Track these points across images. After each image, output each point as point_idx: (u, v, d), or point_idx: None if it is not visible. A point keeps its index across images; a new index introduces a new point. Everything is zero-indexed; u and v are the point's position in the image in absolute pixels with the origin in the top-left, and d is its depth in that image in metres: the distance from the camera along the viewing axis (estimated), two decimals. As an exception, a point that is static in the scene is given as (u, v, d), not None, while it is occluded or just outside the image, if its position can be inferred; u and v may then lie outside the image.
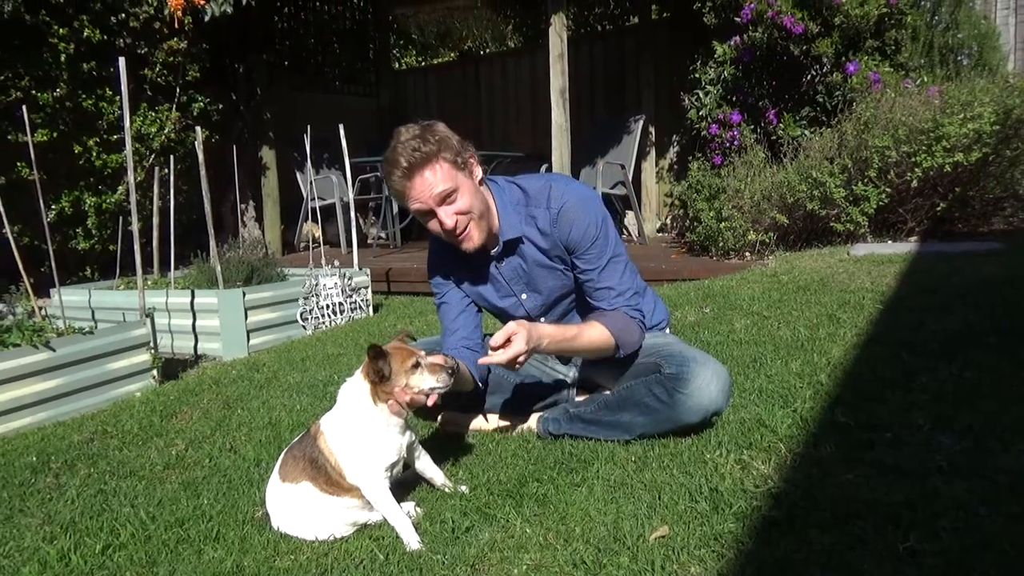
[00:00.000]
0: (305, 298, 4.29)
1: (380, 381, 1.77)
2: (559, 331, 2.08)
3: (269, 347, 4.03)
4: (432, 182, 1.98)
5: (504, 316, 2.36)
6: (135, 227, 3.38)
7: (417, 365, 1.78)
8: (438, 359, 1.85)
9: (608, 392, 2.28)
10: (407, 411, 1.81)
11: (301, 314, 4.27)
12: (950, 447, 1.82)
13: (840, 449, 1.88)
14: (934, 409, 2.03)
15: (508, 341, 1.90)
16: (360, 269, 4.73)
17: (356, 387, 1.83)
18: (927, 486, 1.65)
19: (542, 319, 2.32)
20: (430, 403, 1.81)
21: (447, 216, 2.01)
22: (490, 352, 1.90)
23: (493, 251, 2.20)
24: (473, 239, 2.08)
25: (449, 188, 1.99)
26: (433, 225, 2.06)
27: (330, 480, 1.78)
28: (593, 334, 2.12)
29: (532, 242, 2.19)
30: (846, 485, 1.70)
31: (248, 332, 3.95)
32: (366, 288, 4.68)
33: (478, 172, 2.10)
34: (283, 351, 3.88)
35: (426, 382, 1.78)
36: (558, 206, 2.14)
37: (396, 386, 1.76)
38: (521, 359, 1.92)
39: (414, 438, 1.91)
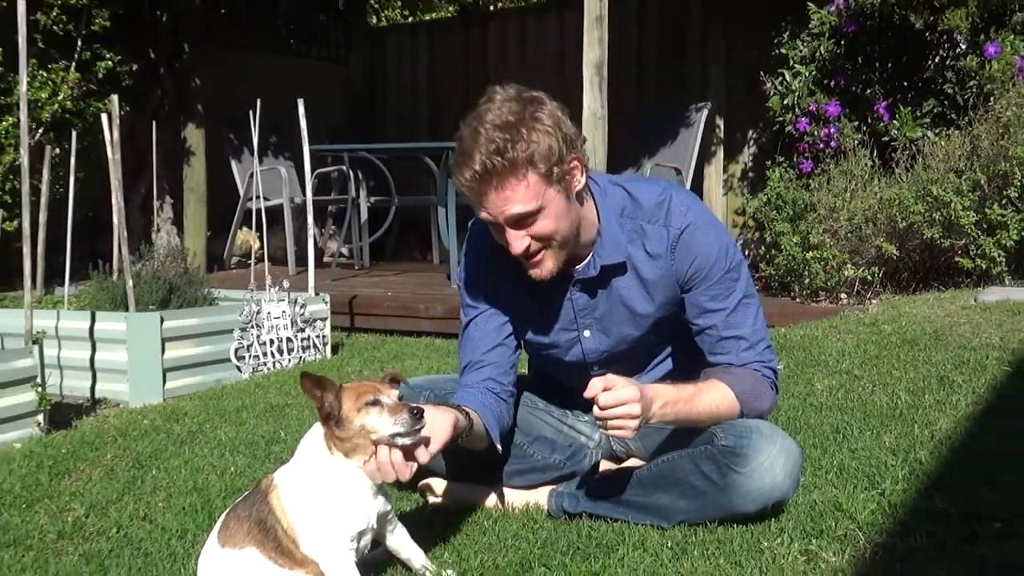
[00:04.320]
0: (243, 330, 4.52)
1: (327, 422, 1.98)
2: (674, 391, 2.21)
3: (192, 392, 4.25)
4: (509, 199, 2.12)
5: (546, 355, 2.56)
6: (26, 223, 3.64)
7: (375, 403, 1.96)
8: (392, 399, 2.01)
9: (642, 464, 2.48)
10: (377, 474, 1.99)
11: (236, 351, 4.50)
12: (1074, 542, 2.02)
13: (934, 541, 2.08)
14: (1059, 497, 2.24)
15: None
16: (317, 295, 4.97)
17: (316, 434, 2.05)
18: (1037, 587, 1.86)
19: (595, 369, 2.51)
20: (417, 459, 1.98)
21: (517, 240, 2.18)
22: (591, 393, 2.05)
23: (578, 272, 2.37)
24: (544, 268, 2.25)
25: (529, 210, 2.14)
26: (498, 238, 2.24)
27: (280, 548, 1.99)
28: (715, 396, 2.27)
29: (635, 268, 2.37)
30: (937, 584, 1.91)
31: (164, 371, 4.17)
32: (323, 320, 4.91)
33: (579, 181, 2.23)
34: (211, 398, 4.10)
35: (383, 425, 1.95)
36: (681, 224, 2.31)
37: (350, 430, 1.97)
38: (624, 422, 2.05)
39: (388, 507, 2.11)
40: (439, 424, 2.07)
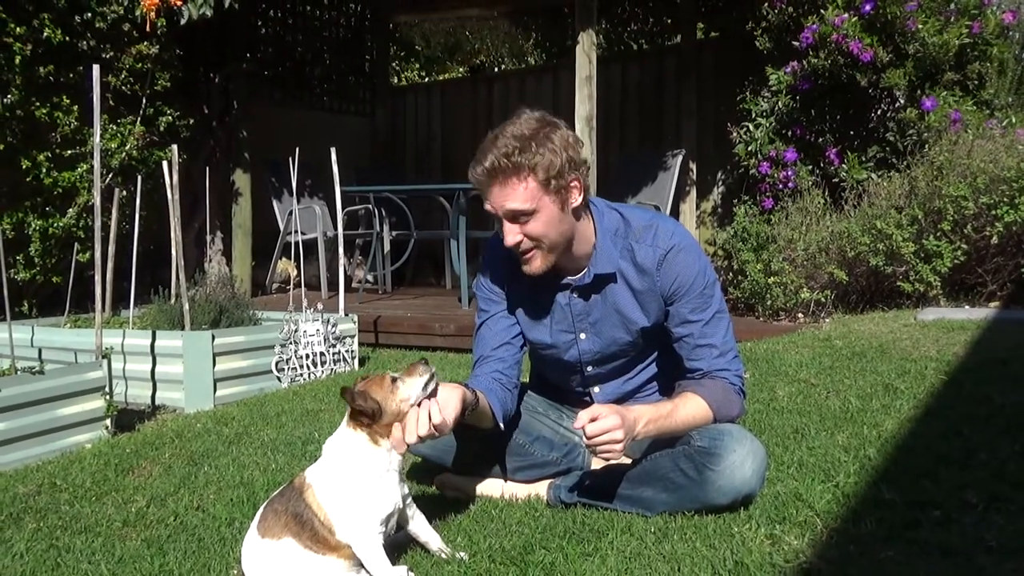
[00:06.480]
0: (282, 345, 4.52)
1: (374, 421, 2.00)
2: (654, 409, 2.24)
3: (238, 400, 4.25)
4: (508, 195, 2.18)
5: (546, 354, 2.56)
6: (97, 254, 3.66)
7: (394, 380, 2.04)
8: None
9: (629, 462, 2.48)
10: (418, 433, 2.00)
11: (276, 364, 4.50)
12: (1003, 527, 2.02)
13: (882, 526, 2.09)
14: (990, 488, 2.24)
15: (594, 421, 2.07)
16: (346, 315, 4.97)
17: (344, 437, 2.07)
18: (972, 566, 1.86)
19: (588, 368, 2.55)
20: (436, 417, 1.99)
21: (511, 233, 2.23)
22: (579, 424, 2.08)
23: (574, 280, 2.41)
24: (533, 265, 2.29)
25: (523, 209, 2.19)
26: (500, 231, 2.28)
27: (316, 537, 1.98)
28: (691, 409, 2.28)
29: (625, 279, 2.40)
30: (884, 563, 1.91)
31: (215, 381, 4.18)
32: (352, 337, 4.91)
33: (575, 199, 2.26)
34: (255, 405, 4.10)
35: (414, 386, 2.02)
36: (667, 245, 2.35)
37: (390, 412, 2.01)
38: (611, 447, 2.06)
39: (408, 492, 2.14)
40: (449, 395, 2.08)
